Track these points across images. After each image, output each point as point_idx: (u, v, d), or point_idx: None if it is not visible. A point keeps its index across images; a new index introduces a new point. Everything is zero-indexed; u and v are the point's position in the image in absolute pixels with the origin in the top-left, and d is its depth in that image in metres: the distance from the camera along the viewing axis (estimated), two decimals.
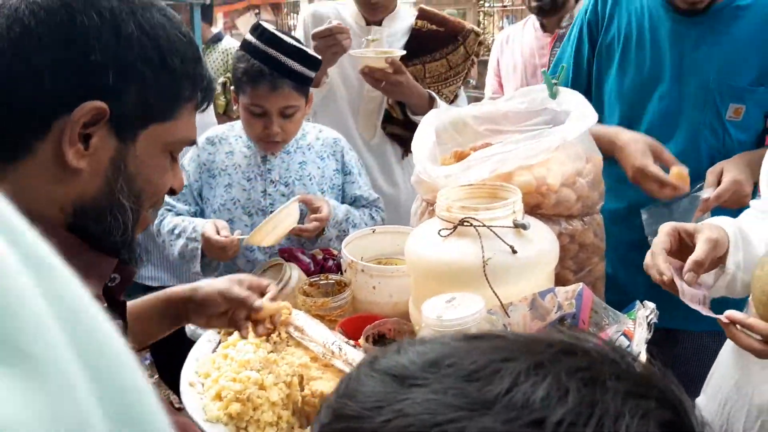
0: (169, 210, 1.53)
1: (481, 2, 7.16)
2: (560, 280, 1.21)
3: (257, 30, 1.49)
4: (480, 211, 1.03)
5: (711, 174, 1.29)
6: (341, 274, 1.33)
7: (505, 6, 6.87)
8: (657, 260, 0.96)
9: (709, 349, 1.46)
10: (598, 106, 1.45)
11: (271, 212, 1.50)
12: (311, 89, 1.64)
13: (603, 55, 1.51)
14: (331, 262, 1.38)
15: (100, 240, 0.69)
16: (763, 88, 1.34)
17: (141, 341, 1.04)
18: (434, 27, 1.92)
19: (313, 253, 1.42)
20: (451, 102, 1.90)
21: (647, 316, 0.98)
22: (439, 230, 1.05)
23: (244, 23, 9.40)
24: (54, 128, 0.63)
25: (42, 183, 0.65)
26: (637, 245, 1.25)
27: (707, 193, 1.25)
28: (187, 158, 1.58)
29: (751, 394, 0.98)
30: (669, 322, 1.07)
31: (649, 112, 1.42)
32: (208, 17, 3.34)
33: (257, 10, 9.86)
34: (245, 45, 1.49)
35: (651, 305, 1.00)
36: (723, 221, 1.02)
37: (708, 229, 0.96)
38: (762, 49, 1.33)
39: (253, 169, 1.50)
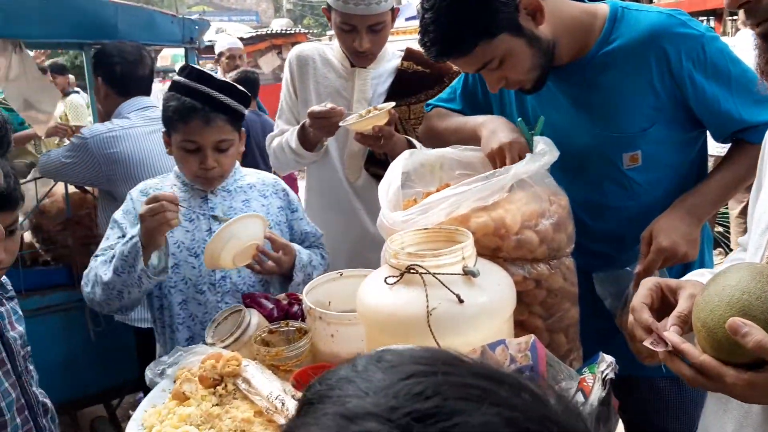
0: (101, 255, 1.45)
1: None
2: (528, 327, 1.14)
3: (185, 70, 1.51)
4: (427, 258, 0.99)
5: (643, 243, 1.23)
6: (303, 320, 1.29)
7: None
8: (642, 316, 0.86)
9: (664, 392, 1.41)
10: None
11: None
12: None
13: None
14: (296, 308, 1.34)
15: None
16: (653, 127, 1.25)
17: None
18: (420, 68, 1.90)
19: (277, 298, 1.38)
20: None
21: (603, 371, 0.90)
22: (386, 278, 1.00)
23: (267, 62, 9.66)
24: None
25: None
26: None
27: (639, 266, 1.22)
28: (120, 212, 1.54)
29: None
30: (623, 369, 0.99)
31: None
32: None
33: (279, 50, 10.09)
34: (174, 86, 1.50)
35: (609, 359, 0.93)
36: (705, 276, 0.95)
37: (691, 286, 0.88)
38: (640, 93, 1.24)
39: (194, 209, 1.49)
